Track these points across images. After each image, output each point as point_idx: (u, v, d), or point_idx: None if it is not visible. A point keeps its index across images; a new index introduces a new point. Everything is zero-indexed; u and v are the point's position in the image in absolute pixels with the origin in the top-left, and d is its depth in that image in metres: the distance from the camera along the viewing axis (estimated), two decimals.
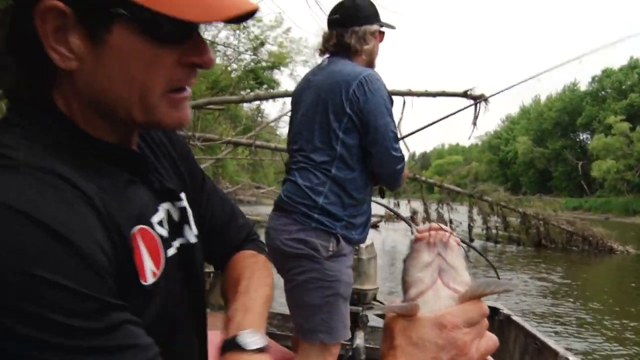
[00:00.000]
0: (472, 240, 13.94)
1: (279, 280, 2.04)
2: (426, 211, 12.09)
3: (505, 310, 3.19)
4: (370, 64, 2.09)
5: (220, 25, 11.55)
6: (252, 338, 0.70)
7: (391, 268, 9.65)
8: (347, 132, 1.95)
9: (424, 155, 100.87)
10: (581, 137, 57.64)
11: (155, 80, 0.59)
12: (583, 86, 58.08)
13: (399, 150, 1.99)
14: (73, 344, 0.46)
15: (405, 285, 0.56)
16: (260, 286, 0.82)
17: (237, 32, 15.20)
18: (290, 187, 1.99)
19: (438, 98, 5.69)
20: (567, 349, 2.56)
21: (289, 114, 2.31)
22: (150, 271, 0.61)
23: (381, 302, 3.07)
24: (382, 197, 2.40)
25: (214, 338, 0.79)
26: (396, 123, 2.06)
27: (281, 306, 2.72)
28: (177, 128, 0.68)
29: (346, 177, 1.95)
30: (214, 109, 7.99)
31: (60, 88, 0.60)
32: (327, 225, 1.92)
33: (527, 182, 55.89)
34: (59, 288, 0.46)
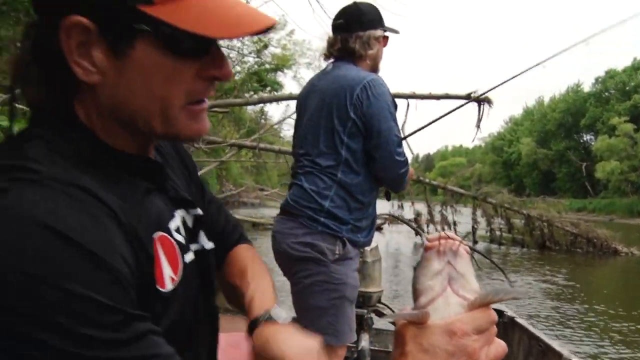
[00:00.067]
0: (475, 242, 13.92)
1: (284, 284, 2.05)
2: (430, 213, 12.08)
3: (510, 313, 3.19)
4: (375, 68, 2.11)
5: None
6: (282, 312, 0.79)
7: (395, 270, 9.61)
8: (351, 137, 1.96)
9: (428, 157, 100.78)
10: (585, 139, 57.22)
11: (175, 93, 0.60)
12: (587, 87, 57.92)
13: (402, 154, 2.00)
14: (99, 355, 0.47)
15: (416, 293, 0.57)
16: (265, 273, 0.90)
17: None
18: (297, 191, 2.00)
19: (442, 100, 5.70)
20: (571, 351, 2.56)
21: (293, 116, 2.33)
22: (168, 277, 0.63)
23: (390, 308, 3.09)
24: (388, 199, 2.41)
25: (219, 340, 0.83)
26: (400, 126, 2.07)
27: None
28: (196, 139, 0.69)
29: (352, 182, 1.97)
30: (218, 112, 8.01)
31: (81, 100, 0.61)
32: (333, 228, 1.93)
33: (530, 183, 55.57)
34: (89, 300, 0.47)
